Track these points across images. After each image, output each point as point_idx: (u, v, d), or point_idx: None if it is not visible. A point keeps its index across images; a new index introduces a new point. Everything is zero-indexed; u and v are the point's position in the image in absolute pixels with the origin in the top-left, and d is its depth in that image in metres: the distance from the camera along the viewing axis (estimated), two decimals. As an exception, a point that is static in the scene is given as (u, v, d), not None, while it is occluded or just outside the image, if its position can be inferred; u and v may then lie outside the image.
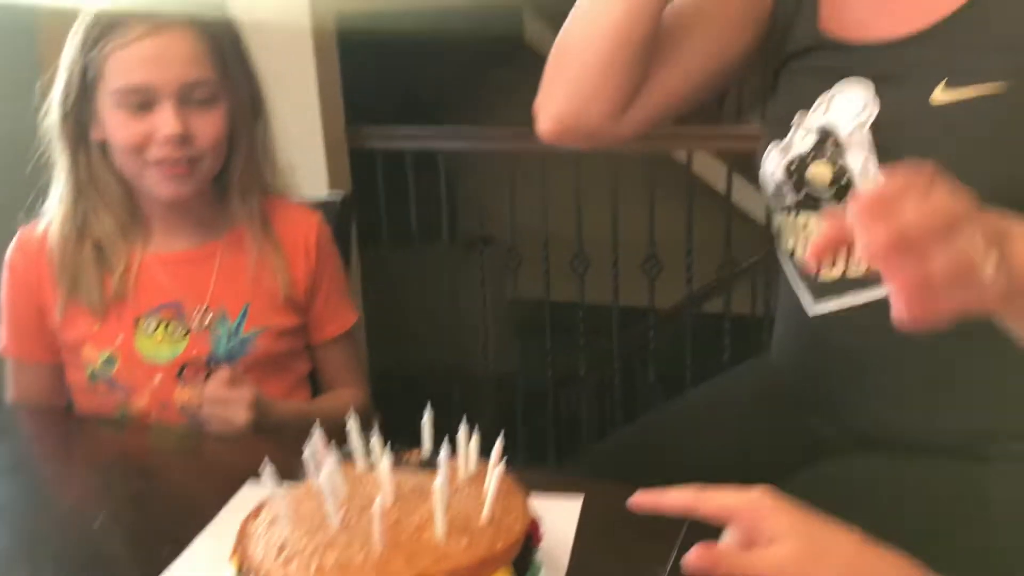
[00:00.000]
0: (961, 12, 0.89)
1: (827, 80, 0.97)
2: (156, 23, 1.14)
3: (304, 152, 2.49)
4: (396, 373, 3.02)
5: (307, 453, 0.75)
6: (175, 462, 1.14)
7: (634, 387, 3.02)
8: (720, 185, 2.82)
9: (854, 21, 0.98)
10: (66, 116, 1.18)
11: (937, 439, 0.94)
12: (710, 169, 3.42)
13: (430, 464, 0.75)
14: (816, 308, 1.00)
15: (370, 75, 3.23)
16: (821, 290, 0.99)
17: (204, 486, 1.01)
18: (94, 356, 1.21)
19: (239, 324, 1.23)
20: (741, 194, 2.80)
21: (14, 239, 1.26)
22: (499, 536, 0.70)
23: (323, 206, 1.43)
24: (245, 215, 1.25)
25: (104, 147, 1.19)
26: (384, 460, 0.73)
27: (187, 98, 1.15)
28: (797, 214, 1.01)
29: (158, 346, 1.21)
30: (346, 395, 1.33)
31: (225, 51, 1.19)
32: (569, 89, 1.02)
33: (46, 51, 1.83)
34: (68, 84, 1.17)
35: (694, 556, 0.60)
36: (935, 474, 0.92)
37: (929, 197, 0.56)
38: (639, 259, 2.56)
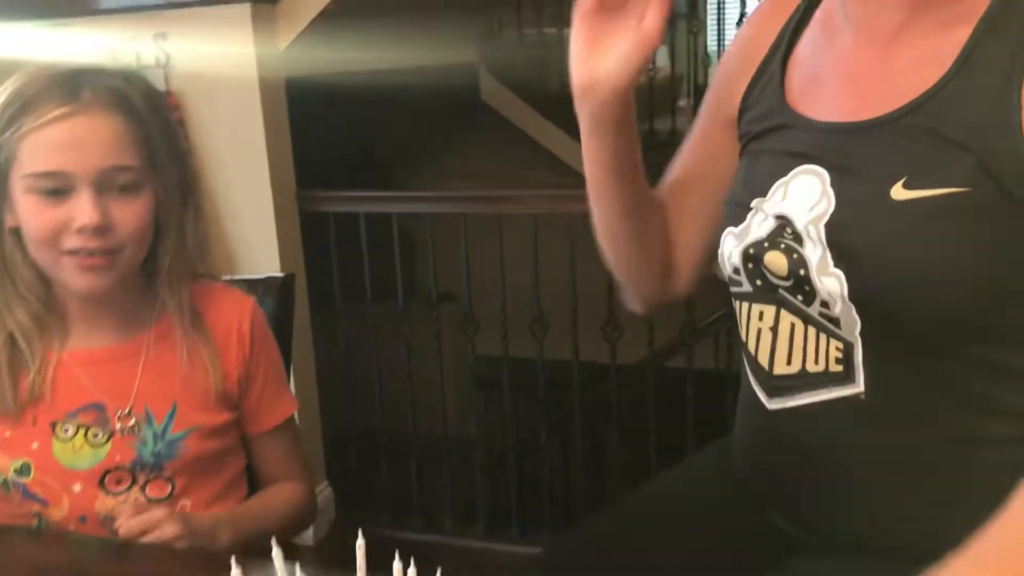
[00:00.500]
0: (924, 101, 0.83)
1: (784, 166, 0.92)
2: (74, 105, 1.06)
3: (252, 217, 2.43)
4: (352, 437, 2.94)
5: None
6: (95, 578, 1.05)
7: (599, 445, 2.96)
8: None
9: (816, 97, 0.94)
10: None
11: (898, 544, 0.89)
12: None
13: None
14: (772, 404, 0.95)
15: (323, 131, 3.18)
16: (775, 388, 0.94)
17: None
18: (5, 464, 1.11)
19: (166, 425, 1.14)
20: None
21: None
22: None
23: (264, 282, 1.35)
24: (174, 306, 1.16)
25: (18, 234, 1.10)
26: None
27: (107, 185, 1.06)
28: (752, 304, 0.96)
29: (77, 452, 1.12)
30: (286, 490, 1.25)
31: (151, 133, 1.10)
32: (619, 278, 1.13)
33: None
34: None
35: None
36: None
37: None
38: (599, 321, 2.51)
